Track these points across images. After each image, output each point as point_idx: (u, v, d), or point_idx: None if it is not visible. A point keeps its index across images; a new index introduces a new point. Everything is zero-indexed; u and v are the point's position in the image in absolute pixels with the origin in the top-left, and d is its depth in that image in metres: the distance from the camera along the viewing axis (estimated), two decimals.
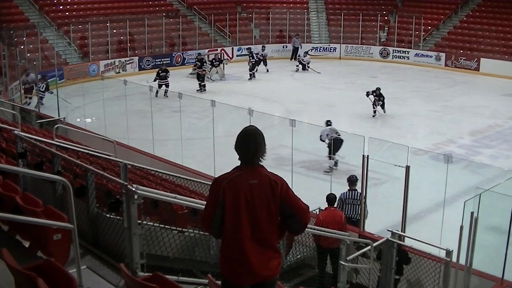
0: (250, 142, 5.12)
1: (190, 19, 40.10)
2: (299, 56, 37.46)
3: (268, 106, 25.58)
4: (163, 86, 28.52)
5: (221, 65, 33.67)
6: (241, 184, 4.93)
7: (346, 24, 41.98)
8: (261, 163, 5.15)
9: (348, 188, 12.90)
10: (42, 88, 26.04)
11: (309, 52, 38.39)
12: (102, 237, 7.52)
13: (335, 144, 17.86)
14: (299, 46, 40.13)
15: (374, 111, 24.77)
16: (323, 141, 18.10)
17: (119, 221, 7.16)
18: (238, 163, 5.13)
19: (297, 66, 36.07)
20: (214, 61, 33.24)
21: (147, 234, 7.06)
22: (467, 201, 9.05)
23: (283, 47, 41.04)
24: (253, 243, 4.91)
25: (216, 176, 5.17)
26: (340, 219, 10.98)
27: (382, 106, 24.84)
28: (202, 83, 30.05)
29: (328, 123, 18.53)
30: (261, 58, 34.87)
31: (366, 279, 9.71)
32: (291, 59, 39.48)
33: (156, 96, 26.90)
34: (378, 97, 24.65)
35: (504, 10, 39.57)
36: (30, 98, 26.21)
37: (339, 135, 18.01)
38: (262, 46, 36.34)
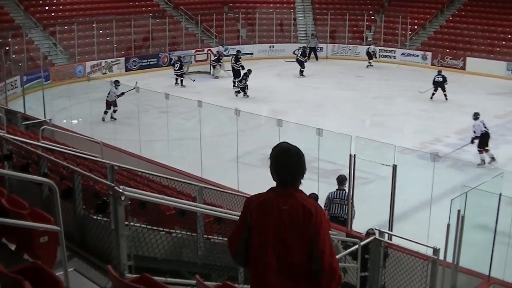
0: (288, 163, 4.68)
1: (177, 19, 40.03)
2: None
3: (255, 106, 25.58)
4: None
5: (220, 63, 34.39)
6: (271, 209, 4.41)
7: (333, 24, 42.07)
8: (299, 187, 4.67)
9: (337, 187, 12.93)
10: (176, 68, 30.61)
11: (296, 52, 38.53)
12: (89, 239, 7.49)
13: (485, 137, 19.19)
14: (316, 46, 40.41)
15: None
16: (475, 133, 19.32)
17: (106, 223, 7.14)
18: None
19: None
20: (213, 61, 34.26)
21: (135, 235, 7.04)
22: (453, 199, 9.09)
23: (270, 47, 41.07)
24: (281, 277, 4.32)
25: (249, 197, 4.67)
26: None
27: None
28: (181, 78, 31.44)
29: (477, 115, 19.80)
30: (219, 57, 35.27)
31: (354, 278, 9.72)
32: (308, 59, 39.45)
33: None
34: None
35: (490, 10, 39.82)
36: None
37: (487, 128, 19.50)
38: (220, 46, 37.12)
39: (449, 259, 9.39)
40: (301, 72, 33.86)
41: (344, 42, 41.61)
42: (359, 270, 9.40)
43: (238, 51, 33.04)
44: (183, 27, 39.48)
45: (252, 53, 39.54)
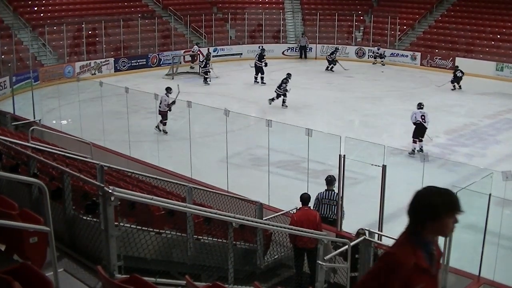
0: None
1: (166, 20, 39.97)
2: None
3: (244, 107, 25.59)
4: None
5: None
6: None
7: (322, 24, 42.13)
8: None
9: (326, 188, 12.93)
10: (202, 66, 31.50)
11: (285, 53, 38.68)
12: (79, 240, 7.48)
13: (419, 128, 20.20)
14: (306, 45, 40.72)
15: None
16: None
17: (96, 223, 7.13)
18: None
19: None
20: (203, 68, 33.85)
21: (124, 236, 7.03)
22: None
23: (259, 48, 41.07)
24: None
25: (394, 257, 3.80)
26: (314, 218, 10.96)
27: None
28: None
29: (420, 105, 20.84)
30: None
31: (344, 278, 9.74)
32: (300, 57, 39.95)
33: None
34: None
35: (479, 10, 40.00)
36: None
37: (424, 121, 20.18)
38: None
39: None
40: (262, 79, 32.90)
41: (333, 43, 41.66)
42: (349, 270, 9.41)
43: (263, 49, 33.01)
44: (172, 27, 39.44)
45: (241, 54, 39.51)
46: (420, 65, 38.06)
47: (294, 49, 41.43)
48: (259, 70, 32.07)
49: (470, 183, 10.17)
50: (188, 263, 8.15)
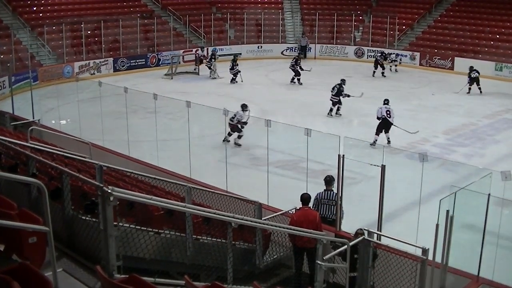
0: None
1: (165, 20, 39.98)
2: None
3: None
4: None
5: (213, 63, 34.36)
6: None
7: (321, 24, 42.17)
8: None
9: (325, 188, 12.92)
10: (230, 67, 31.63)
11: (284, 53, 38.72)
12: (78, 240, 7.47)
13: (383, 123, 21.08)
14: (307, 44, 40.85)
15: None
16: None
17: (95, 223, 7.12)
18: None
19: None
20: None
21: (123, 235, 7.03)
22: (442, 199, 9.09)
23: (258, 47, 41.09)
24: None
25: None
26: (314, 218, 10.96)
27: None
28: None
29: (385, 101, 21.73)
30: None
31: (343, 278, 9.73)
32: (304, 57, 39.70)
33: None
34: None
35: (478, 10, 40.03)
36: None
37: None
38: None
39: (438, 259, 9.41)
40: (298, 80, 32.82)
41: (332, 43, 41.69)
42: (348, 270, 9.41)
43: (300, 53, 32.75)
44: (171, 27, 39.44)
45: (240, 53, 39.49)
46: (419, 65, 38.11)
47: (293, 49, 41.39)
48: (296, 73, 32.17)
49: (469, 183, 10.15)
50: (187, 263, 8.14)
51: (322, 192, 12.84)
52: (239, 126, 20.85)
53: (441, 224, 9.10)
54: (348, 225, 12.02)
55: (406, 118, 24.40)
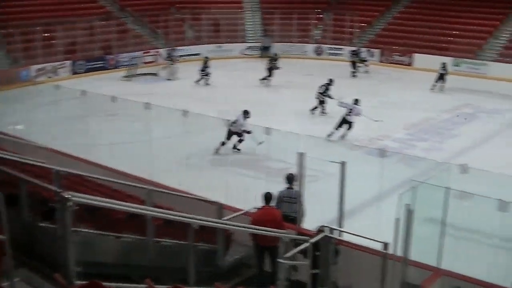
0: None
1: (123, 21, 39.68)
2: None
3: (204, 107, 25.48)
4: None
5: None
6: None
7: (281, 23, 42.23)
8: None
9: (286, 186, 12.94)
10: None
11: (244, 52, 38.71)
12: (37, 247, 7.38)
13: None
14: (270, 45, 40.92)
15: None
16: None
17: (53, 230, 7.04)
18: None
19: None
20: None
21: (83, 241, 6.97)
22: (402, 193, 9.17)
23: (218, 47, 41.02)
24: None
25: None
26: (274, 217, 10.95)
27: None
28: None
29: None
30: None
31: (305, 275, 9.76)
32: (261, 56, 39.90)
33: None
34: None
35: (436, 6, 40.57)
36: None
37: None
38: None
39: (399, 253, 9.50)
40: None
41: (292, 41, 41.80)
42: (310, 267, 9.44)
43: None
44: (130, 28, 39.16)
45: (199, 54, 39.34)
46: (379, 61, 38.42)
47: (254, 48, 41.44)
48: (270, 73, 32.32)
49: (428, 177, 10.28)
50: (149, 266, 8.10)
51: (284, 190, 12.86)
52: (241, 132, 19.99)
53: (401, 218, 9.18)
54: (310, 223, 12.05)
55: (367, 114, 24.61)
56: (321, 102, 25.66)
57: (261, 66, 34.89)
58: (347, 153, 17.05)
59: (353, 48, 37.45)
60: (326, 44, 41.15)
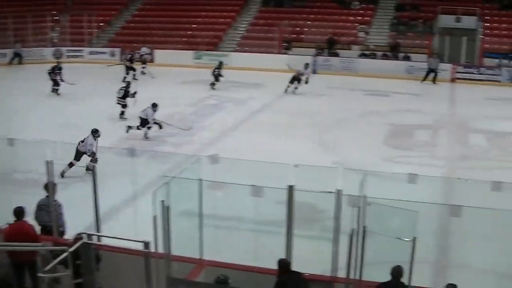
0: None
1: None
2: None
3: None
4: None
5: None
6: None
7: (14, 28, 40.25)
8: None
9: (46, 194, 12.44)
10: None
11: None
12: None
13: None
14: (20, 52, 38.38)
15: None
16: None
17: None
18: None
19: None
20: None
21: None
22: (155, 190, 9.18)
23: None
24: None
25: None
26: (26, 231, 10.51)
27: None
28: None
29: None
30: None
31: (69, 286, 9.46)
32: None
33: None
34: None
35: (173, 1, 41.51)
36: None
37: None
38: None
39: (161, 250, 9.53)
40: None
41: (30, 46, 40.08)
42: (72, 277, 9.17)
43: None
44: None
45: None
46: (120, 60, 38.25)
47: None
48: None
49: (180, 171, 10.39)
50: None
51: (43, 199, 12.34)
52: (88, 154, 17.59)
53: (158, 215, 9.22)
54: (70, 231, 11.71)
55: (112, 115, 24.40)
56: (124, 106, 24.84)
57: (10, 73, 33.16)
58: (99, 155, 16.81)
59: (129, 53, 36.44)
60: (65, 46, 40.13)
